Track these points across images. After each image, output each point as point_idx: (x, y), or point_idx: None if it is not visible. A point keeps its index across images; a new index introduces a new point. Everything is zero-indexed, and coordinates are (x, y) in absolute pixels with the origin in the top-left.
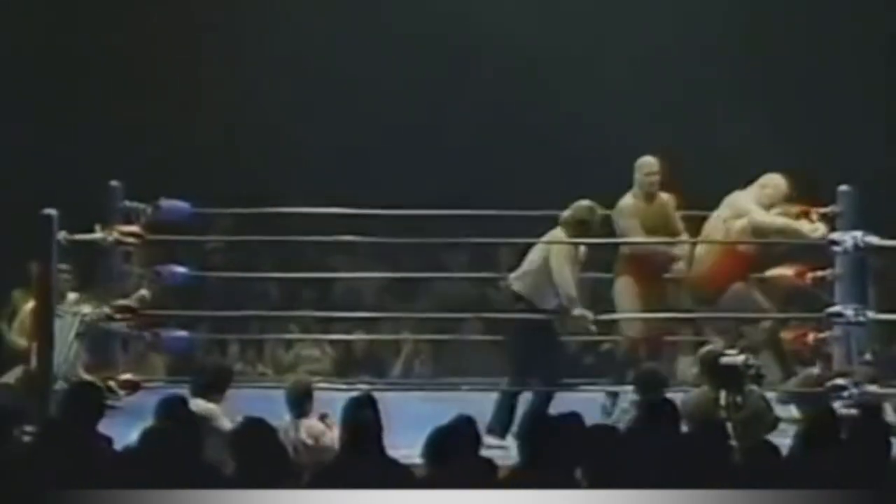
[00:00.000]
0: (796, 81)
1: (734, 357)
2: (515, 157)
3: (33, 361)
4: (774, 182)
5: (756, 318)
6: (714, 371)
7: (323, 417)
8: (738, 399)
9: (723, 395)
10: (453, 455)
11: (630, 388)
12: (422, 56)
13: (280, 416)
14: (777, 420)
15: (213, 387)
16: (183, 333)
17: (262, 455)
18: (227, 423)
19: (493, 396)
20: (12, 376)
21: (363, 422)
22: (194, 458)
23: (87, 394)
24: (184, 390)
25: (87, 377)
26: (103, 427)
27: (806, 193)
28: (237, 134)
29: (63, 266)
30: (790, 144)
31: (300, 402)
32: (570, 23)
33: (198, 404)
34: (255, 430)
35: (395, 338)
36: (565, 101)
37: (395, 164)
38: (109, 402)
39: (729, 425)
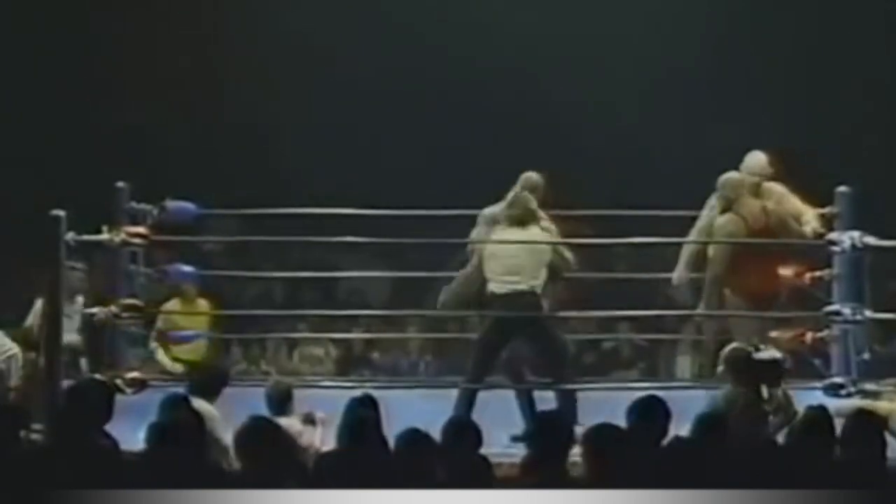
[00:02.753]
0: (794, 80)
1: (769, 351)
2: (517, 156)
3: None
4: (749, 162)
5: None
6: (748, 368)
7: (309, 419)
8: (776, 393)
9: (764, 390)
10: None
11: None
12: (426, 56)
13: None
14: (796, 413)
15: (209, 387)
16: (188, 332)
17: (268, 453)
18: (220, 424)
19: (495, 394)
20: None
21: (363, 421)
22: (198, 457)
23: (96, 392)
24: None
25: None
26: (109, 426)
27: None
28: (243, 135)
29: (77, 265)
30: (788, 144)
31: (280, 402)
32: (567, 21)
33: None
34: (261, 428)
35: (399, 336)
36: (566, 101)
37: (397, 164)
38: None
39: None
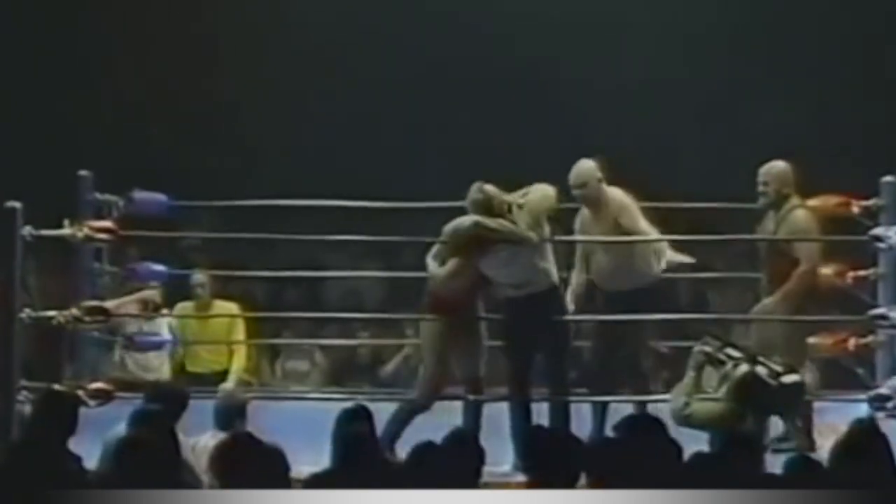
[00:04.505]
0: (833, 65)
1: (792, 375)
2: (524, 146)
3: None
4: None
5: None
6: (766, 394)
7: None
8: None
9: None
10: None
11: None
12: (424, 42)
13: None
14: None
15: (169, 408)
16: (158, 338)
17: (251, 472)
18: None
19: (498, 406)
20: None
21: (357, 436)
22: (172, 475)
23: (59, 405)
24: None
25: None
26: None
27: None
28: (224, 121)
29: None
30: (828, 132)
31: (229, 417)
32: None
33: None
34: (243, 445)
35: (395, 342)
36: (580, 90)
37: (387, 157)
38: None
39: None
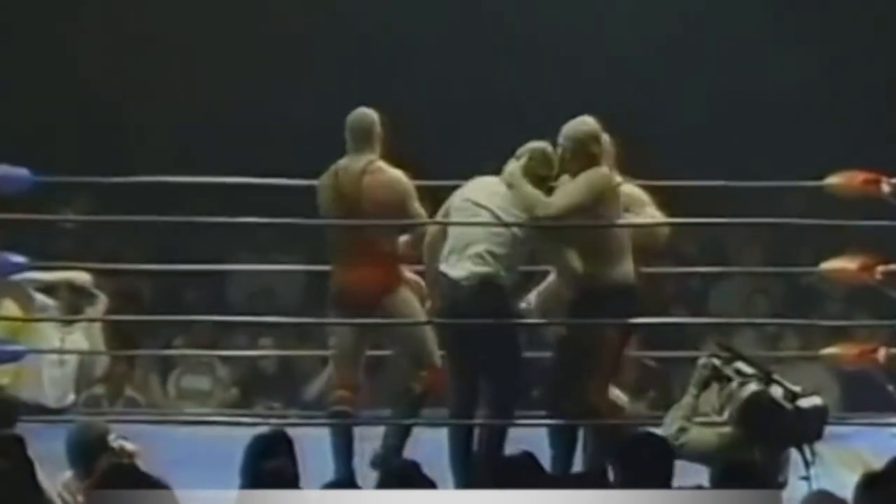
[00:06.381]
0: (866, 29)
1: (812, 399)
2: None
3: None
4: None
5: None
6: (781, 420)
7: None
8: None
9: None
10: None
11: None
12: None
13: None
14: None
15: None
16: (15, 347)
17: None
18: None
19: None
20: None
21: (276, 470)
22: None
23: None
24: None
25: None
26: None
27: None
28: (95, 88)
29: None
30: (856, 104)
31: (89, 456)
32: None
33: None
34: (125, 475)
35: (316, 353)
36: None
37: (314, 125)
38: None
39: None
